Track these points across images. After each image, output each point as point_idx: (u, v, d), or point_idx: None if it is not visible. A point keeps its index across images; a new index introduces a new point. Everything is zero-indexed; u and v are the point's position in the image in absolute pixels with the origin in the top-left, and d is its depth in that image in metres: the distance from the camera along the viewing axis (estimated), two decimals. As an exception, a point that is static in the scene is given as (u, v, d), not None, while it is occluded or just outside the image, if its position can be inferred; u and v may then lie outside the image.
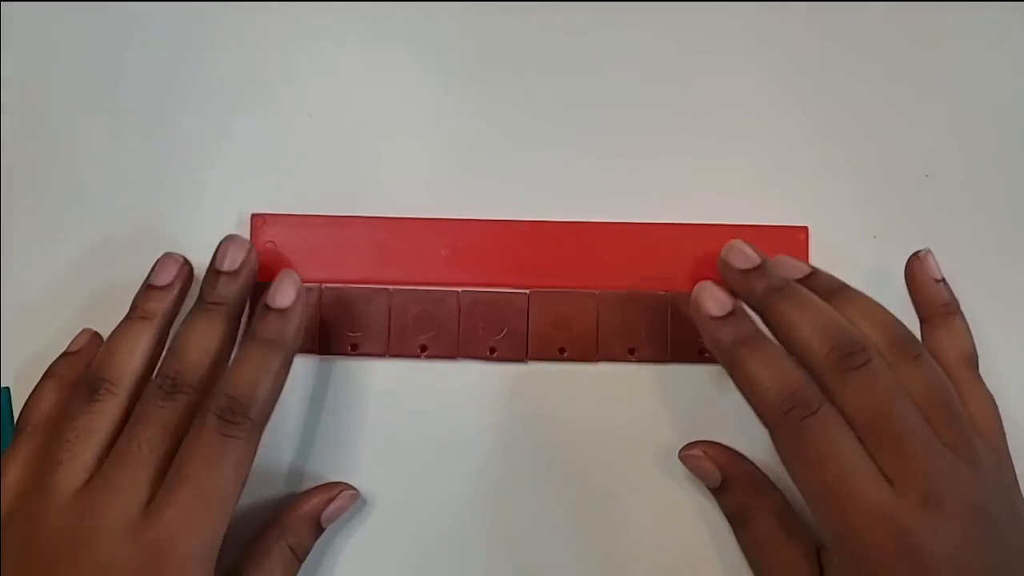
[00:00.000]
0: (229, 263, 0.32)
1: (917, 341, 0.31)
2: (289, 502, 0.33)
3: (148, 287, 0.33)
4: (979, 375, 0.33)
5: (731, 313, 0.31)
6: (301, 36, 0.37)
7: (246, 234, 0.36)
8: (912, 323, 0.32)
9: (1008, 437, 0.31)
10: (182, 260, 0.33)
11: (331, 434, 0.35)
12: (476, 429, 0.35)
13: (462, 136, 0.37)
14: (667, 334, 0.35)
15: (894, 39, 0.38)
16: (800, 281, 0.32)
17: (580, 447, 0.35)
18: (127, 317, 0.32)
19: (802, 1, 0.38)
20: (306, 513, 0.33)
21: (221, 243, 0.32)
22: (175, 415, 0.29)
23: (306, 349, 0.35)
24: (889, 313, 0.32)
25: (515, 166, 0.37)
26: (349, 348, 0.35)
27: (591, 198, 0.37)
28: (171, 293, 0.32)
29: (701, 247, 0.35)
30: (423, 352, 0.35)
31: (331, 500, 0.33)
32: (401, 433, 0.35)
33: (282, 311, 0.31)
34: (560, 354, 0.35)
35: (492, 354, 0.35)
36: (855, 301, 0.32)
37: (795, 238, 0.35)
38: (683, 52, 0.38)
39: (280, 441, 0.34)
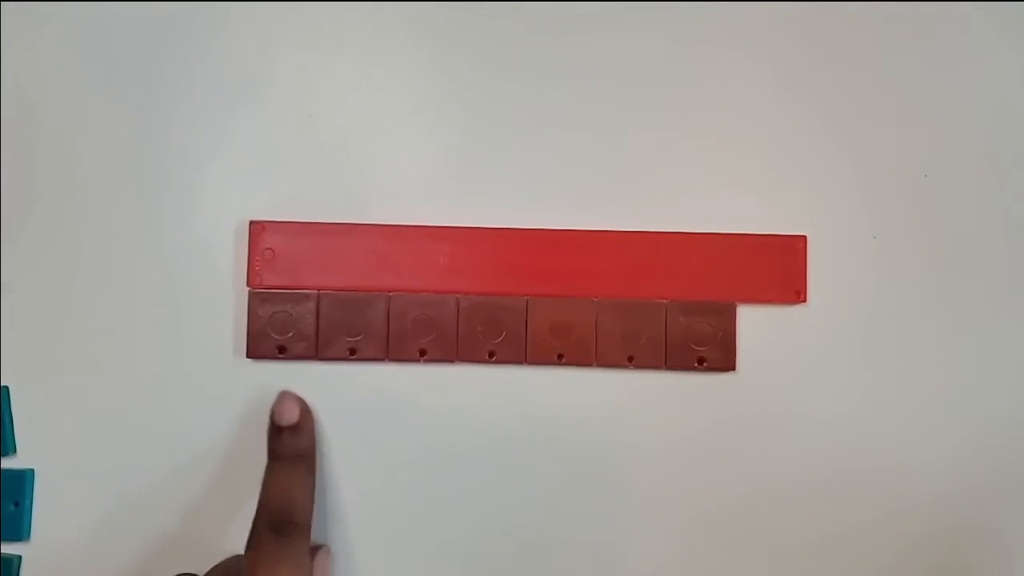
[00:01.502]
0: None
1: None
2: None
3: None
4: None
5: None
6: (301, 37, 0.37)
7: (244, 239, 0.36)
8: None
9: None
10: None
11: (330, 439, 0.35)
12: (475, 433, 0.36)
13: (461, 143, 0.37)
14: (665, 342, 0.35)
15: (892, 40, 0.37)
16: None
17: (578, 452, 0.36)
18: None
19: (800, 2, 0.37)
20: None
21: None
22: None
23: (304, 355, 0.35)
24: None
25: (514, 173, 0.37)
26: (348, 353, 0.35)
27: (590, 206, 0.36)
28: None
29: (700, 255, 0.35)
30: (422, 356, 0.35)
31: None
32: (400, 437, 0.36)
33: (292, 427, 0.33)
34: (559, 360, 0.35)
35: (491, 358, 0.35)
36: None
37: (794, 247, 0.35)
38: (681, 58, 0.37)
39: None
